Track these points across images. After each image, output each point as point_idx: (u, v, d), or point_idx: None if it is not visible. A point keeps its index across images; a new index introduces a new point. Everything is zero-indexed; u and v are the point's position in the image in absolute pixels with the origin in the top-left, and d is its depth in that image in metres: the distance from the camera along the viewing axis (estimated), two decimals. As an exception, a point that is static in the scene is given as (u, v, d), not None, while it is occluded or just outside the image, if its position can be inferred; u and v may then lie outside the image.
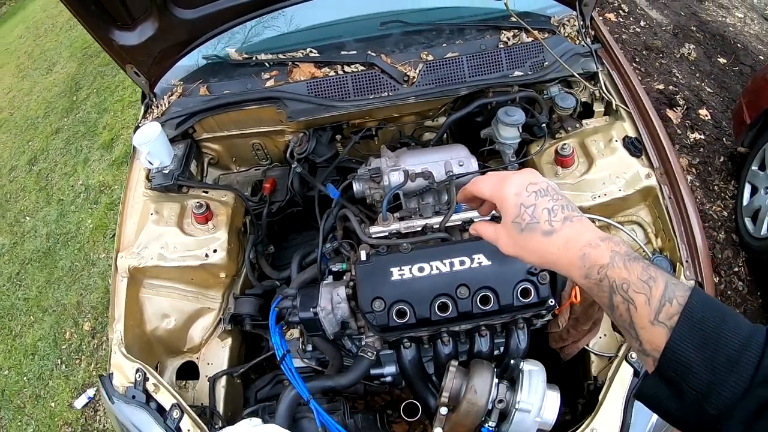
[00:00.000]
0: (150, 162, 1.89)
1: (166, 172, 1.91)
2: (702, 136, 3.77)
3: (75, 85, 5.74)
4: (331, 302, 1.44)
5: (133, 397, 1.55)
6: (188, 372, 1.88)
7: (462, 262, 1.36)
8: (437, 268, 1.35)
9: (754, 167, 3.18)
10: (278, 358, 1.49)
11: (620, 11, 4.82)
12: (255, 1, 1.78)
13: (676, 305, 0.60)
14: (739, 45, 4.47)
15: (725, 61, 4.37)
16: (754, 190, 3.18)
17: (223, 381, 1.77)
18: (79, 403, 3.13)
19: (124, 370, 1.61)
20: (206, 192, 1.94)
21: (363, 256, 1.39)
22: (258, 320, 1.83)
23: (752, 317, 2.90)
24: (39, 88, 6.06)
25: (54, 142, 5.09)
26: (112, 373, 1.62)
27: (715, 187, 3.50)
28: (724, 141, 3.75)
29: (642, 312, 0.62)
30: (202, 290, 1.87)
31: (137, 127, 2.00)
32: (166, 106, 2.03)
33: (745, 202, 3.21)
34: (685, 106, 3.94)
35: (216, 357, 1.84)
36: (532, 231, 0.73)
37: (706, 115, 3.91)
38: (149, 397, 1.55)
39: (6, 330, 3.77)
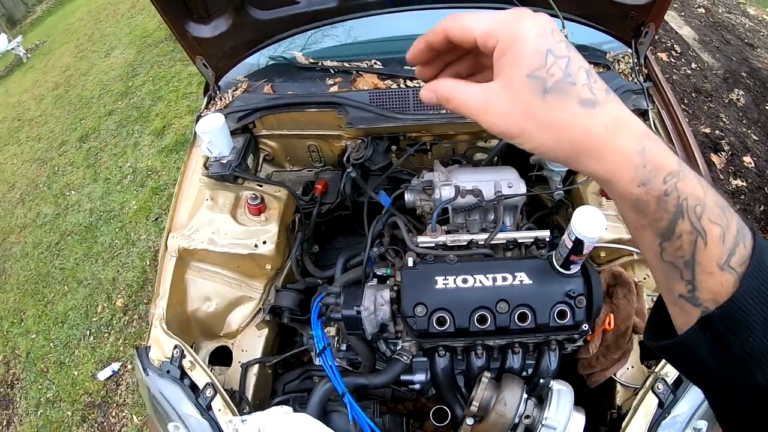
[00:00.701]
0: (210, 150, 1.98)
1: (224, 162, 2.00)
2: (744, 184, 3.73)
3: (132, 71, 5.97)
4: (374, 303, 1.50)
5: (168, 372, 1.60)
6: (220, 357, 1.94)
7: (504, 278, 1.42)
8: (480, 282, 1.41)
9: (795, 220, 3.14)
10: (317, 351, 1.55)
11: (672, 51, 4.81)
12: (328, 10, 1.87)
13: (748, 248, 0.46)
14: (789, 95, 4.42)
15: (774, 110, 4.32)
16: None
17: (255, 369, 1.83)
18: (103, 375, 3.22)
19: (162, 344, 1.67)
20: (260, 186, 2.03)
21: (410, 263, 1.45)
22: (296, 315, 1.89)
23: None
24: (96, 70, 6.32)
25: (106, 123, 5.30)
26: (149, 346, 1.68)
27: (753, 237, 3.45)
28: (766, 190, 3.70)
29: (713, 250, 0.46)
30: (246, 279, 1.95)
31: (199, 117, 2.10)
32: (230, 99, 2.13)
33: (782, 255, 3.16)
34: (730, 152, 3.91)
35: (251, 345, 1.91)
36: (564, 95, 0.45)
37: (750, 163, 3.87)
38: (183, 374, 1.61)
39: (39, 296, 3.91)
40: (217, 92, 2.18)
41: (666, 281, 0.50)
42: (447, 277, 1.41)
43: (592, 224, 1.30)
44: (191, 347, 1.81)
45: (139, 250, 3.89)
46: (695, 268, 0.47)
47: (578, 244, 1.32)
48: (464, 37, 0.49)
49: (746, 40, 5.09)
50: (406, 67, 1.98)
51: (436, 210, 1.65)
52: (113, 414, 3.09)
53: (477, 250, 1.57)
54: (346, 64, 2.03)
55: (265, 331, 1.93)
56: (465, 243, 1.61)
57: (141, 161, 4.66)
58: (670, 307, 0.51)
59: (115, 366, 3.27)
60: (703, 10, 5.55)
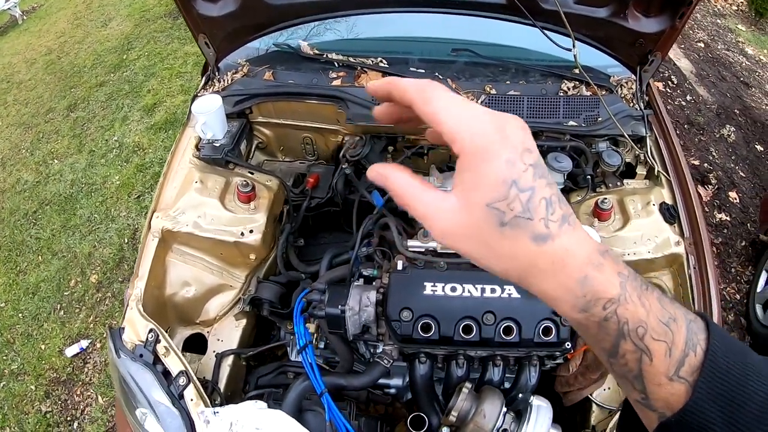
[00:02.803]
0: (204, 132, 1.94)
1: (217, 145, 1.95)
2: (728, 218, 3.80)
3: (127, 44, 5.85)
4: (360, 303, 1.47)
5: (141, 355, 1.55)
6: (194, 345, 1.89)
7: (493, 290, 1.41)
8: (469, 291, 1.39)
9: (773, 257, 3.20)
10: (299, 347, 1.51)
11: (669, 82, 4.89)
12: (338, 2, 1.84)
13: (699, 353, 0.47)
14: (778, 136, 4.52)
15: (762, 149, 4.41)
16: (770, 279, 3.20)
17: (230, 360, 1.78)
18: (71, 351, 3.14)
19: (136, 327, 1.62)
20: (252, 173, 1.98)
21: (399, 266, 1.43)
22: (276, 308, 1.85)
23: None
24: (91, 40, 6.18)
25: (96, 94, 5.18)
26: (123, 327, 1.63)
27: (732, 270, 3.52)
28: (748, 226, 3.77)
29: (659, 365, 0.47)
30: (228, 267, 1.90)
31: (195, 96, 2.06)
32: (229, 82, 2.09)
33: (759, 289, 3.23)
34: (717, 186, 3.98)
35: (227, 335, 1.86)
36: (519, 229, 0.45)
37: (735, 198, 3.95)
38: (157, 360, 1.55)
39: (12, 264, 3.80)
40: (217, 73, 2.14)
41: (623, 387, 0.51)
42: (436, 284, 1.40)
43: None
44: (166, 332, 1.78)
45: (118, 226, 3.81)
46: (644, 382, 0.48)
47: None
48: (429, 121, 0.47)
49: (742, 78, 5.19)
50: (411, 69, 1.96)
51: (430, 215, 1.63)
52: (78, 392, 3.01)
53: (467, 259, 1.55)
54: (351, 59, 2.00)
55: (243, 321, 1.89)
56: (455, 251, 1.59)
57: (128, 136, 4.57)
58: (633, 405, 0.52)
59: (84, 343, 3.19)
60: (703, 45, 5.65)
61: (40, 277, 3.64)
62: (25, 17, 7.50)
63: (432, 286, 1.39)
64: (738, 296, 3.37)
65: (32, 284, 3.61)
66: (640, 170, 2.09)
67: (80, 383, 3.04)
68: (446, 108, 0.46)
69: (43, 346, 3.25)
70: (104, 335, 3.19)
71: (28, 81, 5.79)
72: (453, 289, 1.39)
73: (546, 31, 1.71)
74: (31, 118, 5.14)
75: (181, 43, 5.65)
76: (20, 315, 3.46)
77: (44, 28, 6.97)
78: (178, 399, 1.48)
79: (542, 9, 1.80)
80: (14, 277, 3.72)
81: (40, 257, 3.79)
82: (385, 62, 2.00)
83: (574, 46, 1.70)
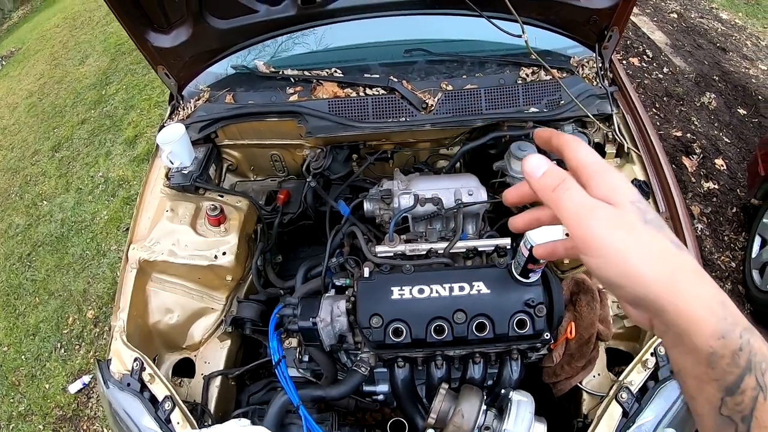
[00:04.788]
0: (171, 161, 1.96)
1: (185, 172, 1.97)
2: (716, 186, 3.78)
3: (105, 80, 5.90)
4: (331, 314, 1.48)
5: (128, 384, 1.59)
6: (184, 369, 1.91)
7: (461, 288, 1.40)
8: (437, 292, 1.39)
9: (765, 220, 3.18)
10: (273, 362, 1.52)
11: (644, 56, 4.88)
12: (288, 18, 1.86)
13: None
14: (760, 97, 4.49)
15: (745, 112, 4.39)
16: (764, 243, 3.18)
17: (217, 381, 1.81)
18: (74, 388, 3.17)
19: (122, 357, 1.65)
20: (222, 196, 2.00)
21: (366, 273, 1.44)
22: (258, 326, 1.87)
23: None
24: (70, 78, 6.23)
25: (79, 132, 5.22)
26: (110, 359, 1.67)
27: (725, 238, 3.50)
28: (738, 192, 3.75)
29: None
30: (208, 290, 1.92)
31: (161, 127, 2.08)
32: (192, 109, 2.10)
33: (754, 254, 3.21)
34: (702, 155, 3.96)
35: (213, 357, 1.88)
36: (661, 230, 0.47)
37: (722, 165, 3.93)
38: (143, 387, 1.59)
39: (10, 308, 3.84)
40: (181, 102, 2.16)
41: (717, 428, 0.49)
42: (403, 288, 1.40)
43: (547, 233, 1.29)
44: (154, 360, 1.80)
45: (110, 261, 3.84)
46: (751, 423, 0.46)
47: (534, 252, 1.31)
48: (572, 157, 0.53)
49: (718, 44, 5.17)
50: (366, 75, 1.97)
51: (394, 219, 1.64)
52: (84, 427, 3.04)
53: (436, 260, 1.56)
54: (306, 73, 2.01)
55: (228, 342, 1.90)
56: (424, 252, 1.60)
57: (113, 170, 4.60)
58: None
59: (86, 379, 3.22)
60: (676, 15, 5.63)
61: (39, 318, 3.67)
62: (3, 62, 7.57)
63: (399, 290, 1.39)
64: (733, 264, 3.35)
65: (32, 326, 3.65)
66: (610, 149, 2.07)
67: (86, 418, 3.07)
68: (588, 149, 0.53)
69: (47, 385, 3.28)
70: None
71: (11, 126, 5.84)
72: (420, 291, 1.39)
73: (494, 20, 1.70)
74: (18, 162, 5.18)
75: (158, 73, 5.68)
76: (23, 357, 3.49)
77: (23, 71, 7.03)
78: (165, 423, 1.51)
79: (488, -2, 1.80)
80: (14, 320, 3.75)
81: (37, 298, 3.83)
82: (340, 72, 2.01)
83: (523, 32, 1.69)
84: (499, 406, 1.45)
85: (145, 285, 1.87)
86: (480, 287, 1.41)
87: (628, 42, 5.09)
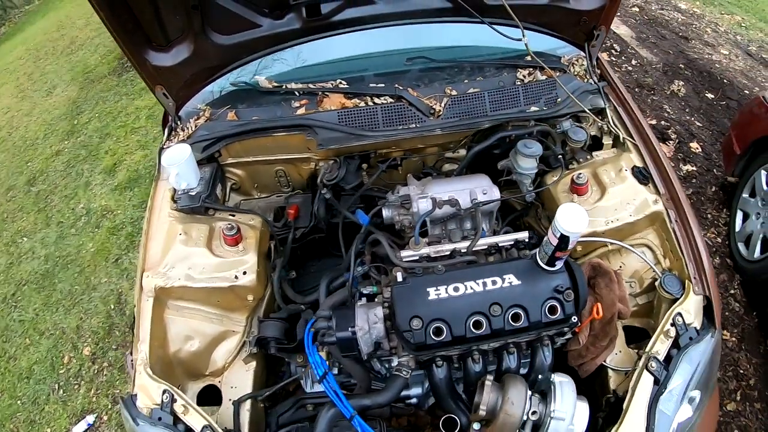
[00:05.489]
0: (178, 183, 1.92)
1: (193, 194, 1.94)
2: (694, 168, 3.93)
3: (76, 109, 5.75)
4: (368, 322, 1.48)
5: (160, 419, 1.53)
6: (208, 397, 1.87)
7: (494, 282, 1.45)
8: (471, 288, 1.43)
9: (744, 195, 3.34)
10: (318, 377, 1.51)
11: (612, 50, 5.05)
12: (290, 32, 1.86)
13: None
14: (725, 80, 4.71)
15: (713, 96, 4.58)
16: (746, 217, 3.34)
17: (248, 405, 1.77)
18: (78, 429, 3.04)
19: (149, 391, 1.59)
20: (233, 215, 1.98)
21: (399, 278, 1.45)
22: (283, 343, 1.84)
23: (750, 337, 3.01)
24: (39, 110, 6.07)
25: (54, 164, 5.08)
26: (135, 395, 1.60)
27: (708, 215, 3.63)
28: (715, 172, 3.91)
29: None
30: (227, 313, 1.89)
31: (161, 149, 2.04)
32: (192, 129, 2.07)
33: (737, 228, 3.36)
34: (677, 140, 4.12)
35: (240, 380, 1.84)
36: None
37: (697, 148, 4.09)
38: (177, 419, 1.54)
39: (0, 352, 3.68)
40: (179, 123, 2.12)
41: None
42: (438, 288, 1.43)
43: (576, 220, 1.35)
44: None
45: (101, 294, 3.72)
46: None
47: (563, 240, 1.36)
48: None
49: (680, 34, 5.40)
50: (371, 85, 1.99)
51: (418, 222, 1.66)
52: (94, 469, 2.93)
53: (461, 258, 1.59)
54: (311, 86, 2.02)
55: (253, 364, 1.87)
56: (448, 252, 1.62)
57: (94, 201, 4.48)
58: None
59: (90, 418, 3.10)
60: (637, 9, 5.86)
61: (32, 359, 3.53)
62: (-35, 100, 7.32)
63: (435, 290, 1.42)
64: (719, 239, 3.48)
65: (25, 368, 3.50)
66: (606, 140, 2.15)
67: (95, 459, 2.96)
68: None
69: (48, 430, 3.15)
70: (109, 407, 3.10)
71: (-19, 163, 5.64)
72: (456, 289, 1.42)
73: (495, 26, 1.76)
74: (-8, 201, 5.00)
75: (130, 99, 5.58)
76: (19, 402, 3.34)
77: (-13, 107, 6.81)
78: (207, 454, 1.46)
79: (487, 5, 1.86)
80: (5, 364, 3.60)
81: (27, 339, 3.68)
82: (345, 83, 2.03)
83: (523, 35, 1.75)
84: (538, 390, 1.48)
85: (163, 313, 1.82)
86: (511, 279, 1.46)
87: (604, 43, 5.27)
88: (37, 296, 3.92)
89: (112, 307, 3.63)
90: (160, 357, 1.75)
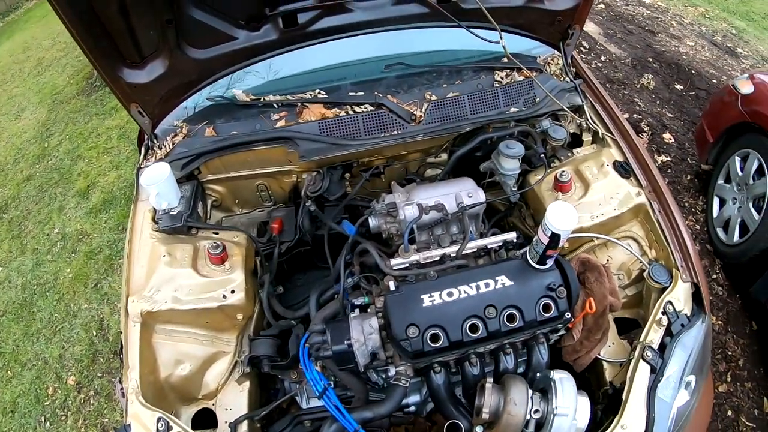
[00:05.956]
0: (158, 203, 1.87)
1: (174, 213, 1.89)
2: (668, 158, 4.02)
3: (46, 132, 5.61)
4: (363, 333, 1.46)
5: (157, 447, 1.48)
6: (202, 421, 1.82)
7: (487, 284, 1.45)
8: (465, 292, 1.43)
9: (720, 181, 3.43)
10: (317, 393, 1.48)
11: (581, 48, 5.14)
12: (268, 43, 1.83)
13: None
14: (693, 71, 4.83)
15: (682, 87, 4.70)
16: (722, 203, 3.42)
17: (244, 426, 1.72)
18: (67, 462, 2.97)
19: (142, 419, 1.55)
20: (216, 233, 1.93)
21: (392, 287, 1.44)
22: (276, 361, 1.81)
23: (735, 318, 3.08)
24: (7, 134, 5.89)
25: (26, 189, 4.93)
26: (129, 425, 1.56)
27: (686, 204, 3.71)
28: (689, 161, 4.00)
29: None
30: (216, 333, 1.85)
31: (138, 169, 2.00)
32: (170, 147, 2.03)
33: (715, 214, 3.45)
34: (650, 132, 4.20)
35: (234, 401, 1.80)
36: None
37: (670, 139, 4.18)
38: None
39: (-20, 388, 3.55)
40: (155, 141, 2.07)
41: None
42: (432, 294, 1.42)
43: (565, 217, 1.36)
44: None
45: (82, 321, 3.61)
46: None
47: (554, 238, 1.37)
48: None
49: (647, 28, 5.52)
50: (351, 94, 1.98)
51: (407, 229, 1.65)
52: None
53: (451, 263, 1.58)
54: (289, 97, 2.00)
55: (247, 384, 1.83)
56: (438, 258, 1.62)
57: (69, 225, 4.37)
58: None
59: (79, 450, 3.01)
60: (603, 6, 5.98)
61: (15, 393, 3.40)
62: (-72, 128, 7.08)
63: (429, 297, 1.41)
64: (698, 226, 3.56)
65: (9, 402, 3.37)
66: (586, 137, 2.18)
67: (87, 492, 2.87)
68: None
69: (37, 465, 3.05)
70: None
71: (-52, 193, 5.45)
72: (450, 294, 1.42)
73: (472, 29, 1.76)
74: (-38, 231, 4.83)
75: (100, 119, 5.47)
76: (4, 438, 3.23)
77: (-48, 133, 6.60)
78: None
79: (463, 9, 1.86)
80: (-13, 401, 3.47)
81: (9, 372, 3.55)
82: (324, 93, 2.01)
83: (501, 38, 1.77)
84: (538, 388, 1.48)
85: (151, 338, 1.77)
86: (504, 281, 1.46)
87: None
88: (16, 326, 3.79)
89: (95, 333, 3.54)
90: (151, 383, 1.70)
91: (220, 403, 1.81)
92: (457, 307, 1.41)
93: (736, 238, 3.15)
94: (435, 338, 1.37)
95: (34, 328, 3.73)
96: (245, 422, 1.73)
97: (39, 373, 3.44)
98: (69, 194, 4.70)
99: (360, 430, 1.39)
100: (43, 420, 3.21)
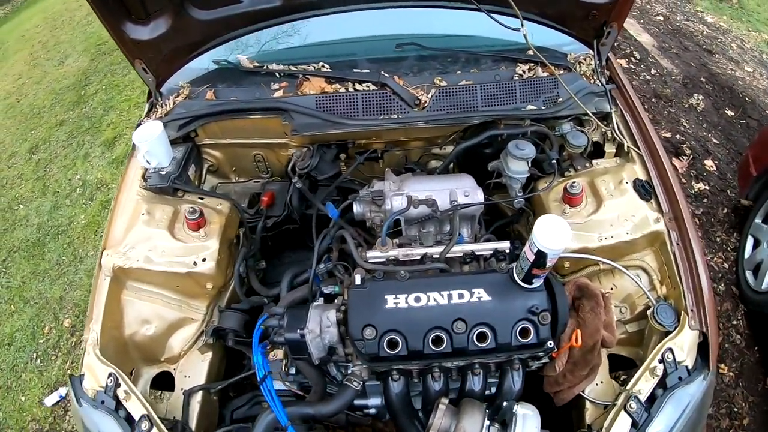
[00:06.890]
0: (147, 161, 1.85)
1: (163, 173, 1.86)
2: (706, 187, 3.75)
3: (85, 80, 5.74)
4: (320, 325, 1.38)
5: (102, 402, 1.50)
6: (163, 382, 1.80)
7: (461, 296, 1.32)
8: (434, 300, 1.31)
9: (757, 220, 3.15)
10: (258, 379, 1.41)
11: (632, 58, 4.86)
12: (271, 10, 1.76)
13: None
14: (747, 99, 4.50)
15: (733, 113, 4.38)
16: (757, 243, 3.14)
17: (198, 396, 1.70)
18: (50, 400, 3.04)
19: (96, 372, 1.55)
20: (201, 198, 1.89)
21: (357, 281, 1.35)
22: (241, 337, 1.76)
23: (749, 372, 2.84)
24: (49, 79, 6.06)
25: (57, 134, 5.06)
26: (83, 375, 1.57)
27: (717, 239, 3.46)
28: (728, 193, 3.72)
29: None
30: (187, 299, 1.81)
31: (138, 125, 1.97)
32: (171, 106, 1.99)
33: (746, 255, 3.17)
34: (691, 156, 3.94)
35: (194, 370, 1.77)
36: None
37: (712, 166, 3.90)
38: (119, 405, 1.50)
39: (-15, 317, 3.68)
40: (159, 99, 2.05)
41: None
42: (398, 296, 1.31)
43: (555, 235, 1.21)
44: (130, 374, 1.70)
45: (87, 267, 3.70)
46: None
47: (541, 256, 1.23)
48: None
49: (704, 47, 5.18)
50: (355, 70, 1.87)
51: (387, 221, 1.55)
52: (61, 442, 2.89)
53: (431, 265, 1.47)
54: (292, 68, 1.91)
55: (209, 354, 1.79)
56: (418, 257, 1.51)
57: (91, 173, 4.46)
58: None
59: (63, 391, 3.08)
60: (662, 18, 5.64)
61: (15, 326, 3.52)
62: (-20, 63, 7.36)
63: (394, 298, 1.30)
64: (726, 265, 3.31)
65: (7, 335, 3.49)
66: (609, 148, 2.00)
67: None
68: None
69: (23, 398, 3.14)
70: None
71: (-12, 128, 5.66)
72: (417, 299, 1.30)
73: (492, 14, 1.62)
74: (-7, 165, 5.01)
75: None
76: (-2, 368, 3.33)
77: (2, 72, 6.83)
78: (142, 444, 1.42)
79: (486, -9, 1.72)
80: (-12, 330, 3.58)
81: (12, 306, 3.67)
82: (328, 66, 1.91)
83: (522, 26, 1.61)
84: (501, 419, 1.36)
85: (120, 294, 1.76)
86: (480, 294, 1.33)
87: (616, 44, 5.08)
88: (26, 264, 3.92)
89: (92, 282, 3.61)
90: (114, 338, 1.69)
91: (181, 369, 1.79)
92: (423, 314, 1.29)
93: (765, 284, 2.88)
94: (393, 344, 1.26)
95: (42, 268, 3.83)
96: (200, 393, 1.70)
97: (39, 312, 3.55)
98: (96, 143, 4.80)
99: (289, 428, 1.30)
100: (35, 356, 3.32)
